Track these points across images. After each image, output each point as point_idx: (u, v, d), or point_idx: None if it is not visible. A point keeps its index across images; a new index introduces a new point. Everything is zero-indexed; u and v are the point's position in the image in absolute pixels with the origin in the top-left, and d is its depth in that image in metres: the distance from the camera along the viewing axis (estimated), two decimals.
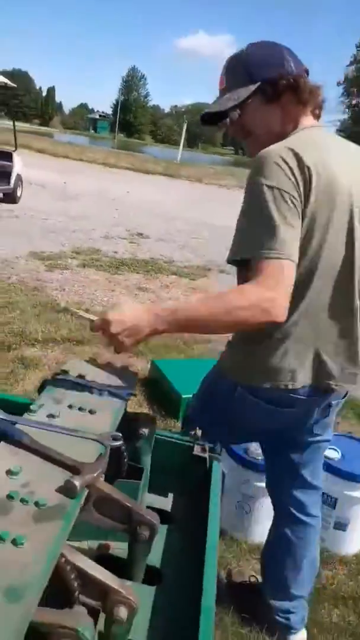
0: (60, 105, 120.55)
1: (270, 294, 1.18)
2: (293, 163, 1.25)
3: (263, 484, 2.08)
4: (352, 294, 1.38)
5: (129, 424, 1.16)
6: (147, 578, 1.06)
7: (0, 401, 1.19)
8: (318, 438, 1.58)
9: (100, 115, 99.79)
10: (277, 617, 1.73)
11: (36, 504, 0.75)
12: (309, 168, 1.25)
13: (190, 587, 1.08)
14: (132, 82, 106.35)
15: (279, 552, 1.72)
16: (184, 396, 3.02)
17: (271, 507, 1.85)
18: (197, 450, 1.34)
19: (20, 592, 0.60)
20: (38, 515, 0.73)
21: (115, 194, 12.88)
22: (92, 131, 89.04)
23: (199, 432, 1.33)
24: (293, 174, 1.24)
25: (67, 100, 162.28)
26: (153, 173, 21.30)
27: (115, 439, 0.97)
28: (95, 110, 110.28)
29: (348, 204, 1.33)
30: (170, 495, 1.38)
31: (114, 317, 1.24)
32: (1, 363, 3.36)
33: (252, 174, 1.28)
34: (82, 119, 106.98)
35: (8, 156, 9.19)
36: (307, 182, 1.25)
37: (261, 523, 2.20)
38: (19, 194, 9.56)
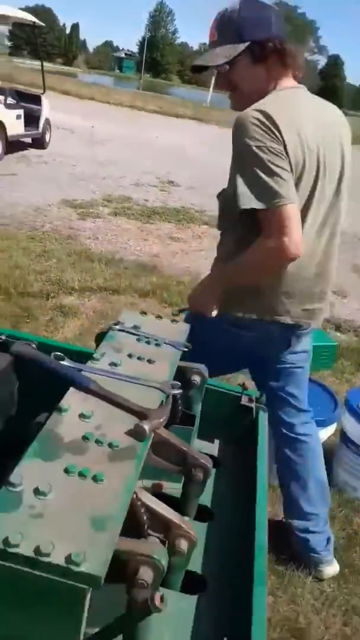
0: (84, 43, 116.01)
1: (281, 238, 1.41)
2: (267, 122, 1.41)
3: None
4: (316, 245, 1.58)
5: (181, 373, 1.20)
6: (199, 516, 1.13)
7: (59, 349, 1.25)
8: (287, 365, 1.77)
9: (125, 54, 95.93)
10: (297, 537, 1.88)
11: (109, 445, 0.80)
12: (279, 127, 1.41)
13: (239, 525, 1.15)
14: (159, 18, 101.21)
15: (284, 470, 1.89)
16: None
17: None
18: (244, 400, 1.39)
19: (104, 522, 0.66)
20: (112, 455, 0.79)
21: (143, 138, 12.58)
22: (118, 71, 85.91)
23: (247, 383, 1.37)
24: (271, 131, 1.41)
25: (92, 37, 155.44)
26: (182, 117, 20.63)
27: (174, 387, 1.02)
28: (121, 49, 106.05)
29: (315, 162, 1.49)
30: (217, 441, 1.44)
31: (190, 301, 1.72)
32: (41, 311, 3.44)
33: (238, 138, 1.45)
34: (107, 58, 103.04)
35: (36, 99, 8.97)
36: (282, 138, 1.42)
37: None
38: (47, 139, 9.43)
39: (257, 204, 1.42)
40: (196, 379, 1.23)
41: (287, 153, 1.43)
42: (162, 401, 0.97)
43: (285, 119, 1.44)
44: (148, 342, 1.15)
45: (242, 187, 1.45)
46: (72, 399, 0.89)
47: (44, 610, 0.61)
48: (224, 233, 1.68)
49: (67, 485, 0.70)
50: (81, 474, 0.72)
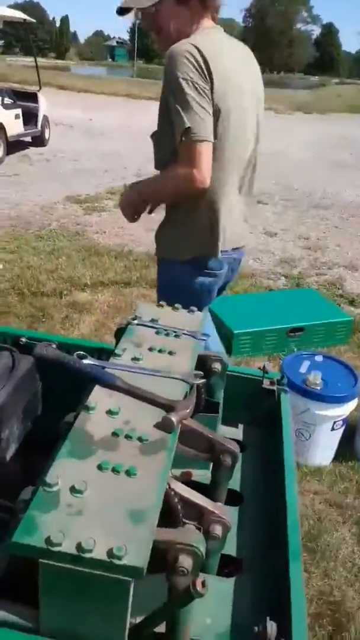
0: (75, 35, 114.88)
1: (190, 169, 1.53)
2: (198, 58, 1.50)
3: (322, 412, 2.16)
4: (240, 172, 1.71)
5: (202, 362, 1.21)
6: (229, 500, 1.15)
7: (79, 347, 1.27)
8: (222, 292, 2.00)
9: (117, 42, 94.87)
10: None
11: (139, 439, 0.82)
12: (208, 63, 1.50)
13: (269, 506, 1.17)
14: None
15: None
16: (235, 332, 3.07)
17: (329, 431, 2.11)
18: (265, 383, 1.40)
19: (142, 515, 0.68)
20: (143, 448, 0.80)
21: (142, 127, 12.45)
22: (110, 60, 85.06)
23: (268, 367, 1.38)
24: (200, 67, 1.50)
25: (82, 29, 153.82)
26: None
27: (196, 377, 1.03)
28: (112, 37, 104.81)
29: (239, 99, 1.61)
30: (241, 426, 1.45)
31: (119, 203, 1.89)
32: (56, 309, 3.47)
33: (168, 70, 1.53)
34: (99, 48, 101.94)
35: (33, 97, 8.93)
36: (210, 75, 1.51)
37: (320, 447, 2.30)
38: (47, 136, 9.41)
39: (176, 135, 1.55)
40: (217, 366, 1.24)
41: (212, 91, 1.53)
42: (187, 392, 0.99)
43: (214, 58, 1.53)
44: (167, 334, 1.16)
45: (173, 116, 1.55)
46: (98, 397, 0.91)
47: (91, 602, 0.63)
48: (161, 169, 1.78)
49: (102, 482, 0.71)
50: (115, 470, 0.74)
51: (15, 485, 1.10)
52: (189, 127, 1.50)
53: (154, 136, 1.75)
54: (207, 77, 1.52)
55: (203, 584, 0.67)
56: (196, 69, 1.50)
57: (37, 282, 3.86)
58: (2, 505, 1.09)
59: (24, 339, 1.44)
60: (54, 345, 1.36)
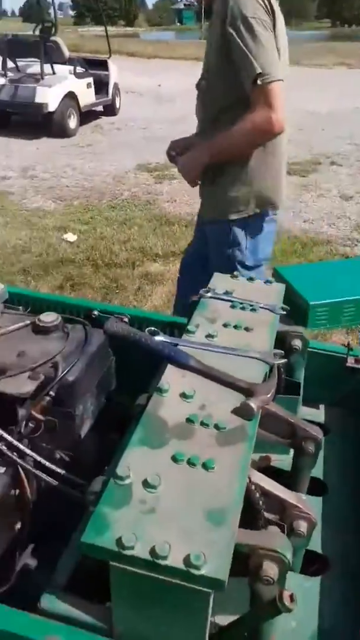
0: (143, 1, 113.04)
1: (268, 113, 1.49)
2: (265, 1, 1.51)
3: None
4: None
5: (281, 339, 1.11)
6: (312, 489, 1.06)
7: (151, 322, 1.21)
8: None
9: (185, 5, 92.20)
10: None
11: (216, 427, 0.74)
12: (271, 3, 1.52)
13: (356, 496, 1.07)
14: None
15: None
16: (311, 303, 2.91)
17: None
18: (350, 361, 1.27)
19: (222, 515, 0.60)
20: (221, 438, 0.73)
21: None
22: (178, 24, 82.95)
23: (352, 343, 1.25)
24: (266, 5, 1.51)
25: None
26: None
27: (277, 356, 0.93)
28: (179, 0, 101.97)
29: (284, 45, 1.63)
30: (322, 407, 1.34)
31: (180, 170, 1.83)
32: (129, 281, 3.46)
33: (238, 12, 1.49)
34: (167, 12, 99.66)
35: (103, 65, 8.83)
36: (273, 14, 1.53)
37: None
38: (117, 104, 9.33)
39: (245, 80, 1.49)
40: (297, 343, 1.13)
41: (274, 29, 1.52)
42: (266, 373, 0.90)
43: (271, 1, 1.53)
44: (243, 308, 1.07)
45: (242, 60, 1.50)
46: (171, 377, 0.84)
47: (166, 610, 0.57)
48: (214, 121, 1.69)
49: (176, 476, 0.65)
50: (190, 462, 0.67)
51: (90, 463, 1.07)
52: (260, 72, 1.46)
53: (203, 85, 1.68)
54: (272, 15, 1.52)
55: (292, 597, 0.59)
56: (263, 7, 1.50)
57: (111, 253, 3.86)
58: (76, 482, 1.07)
59: (96, 312, 1.40)
60: (126, 319, 1.31)
